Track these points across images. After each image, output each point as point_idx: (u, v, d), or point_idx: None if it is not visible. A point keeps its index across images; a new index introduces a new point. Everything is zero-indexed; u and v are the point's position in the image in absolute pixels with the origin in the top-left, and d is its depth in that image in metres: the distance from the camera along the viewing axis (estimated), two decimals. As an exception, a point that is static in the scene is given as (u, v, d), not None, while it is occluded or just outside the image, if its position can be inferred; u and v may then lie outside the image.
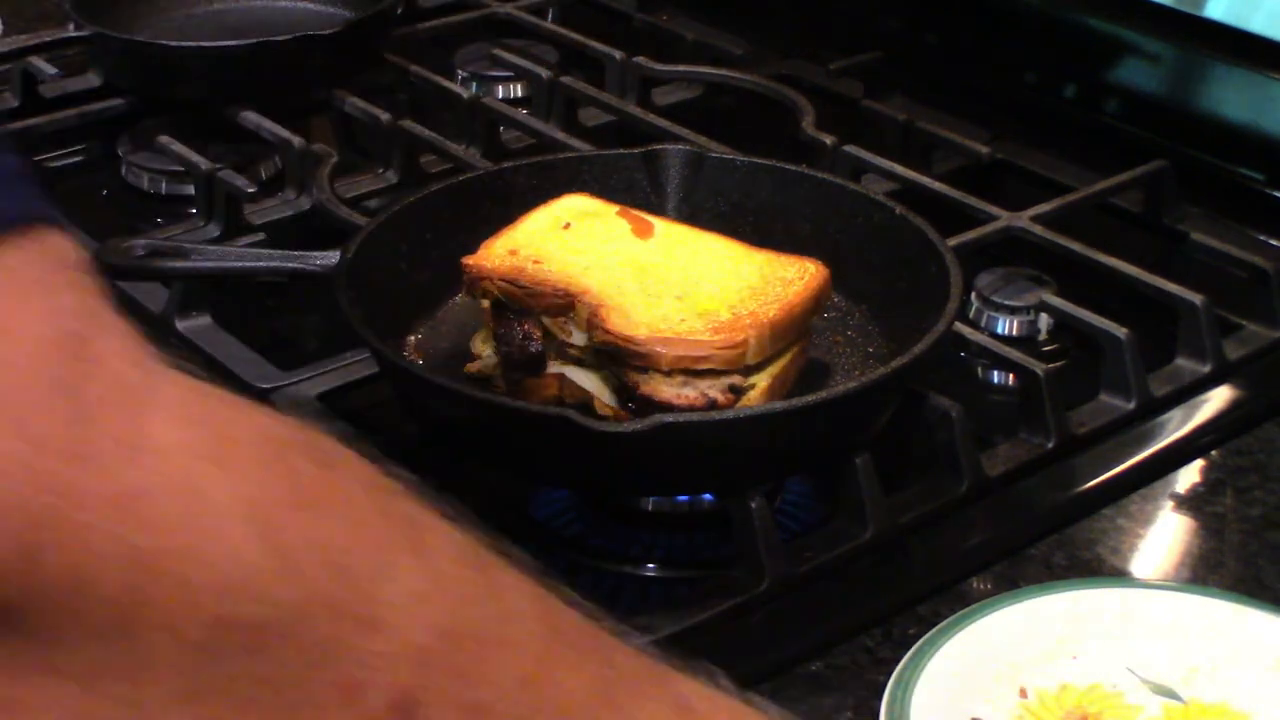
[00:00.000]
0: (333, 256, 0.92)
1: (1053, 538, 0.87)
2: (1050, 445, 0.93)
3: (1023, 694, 0.76)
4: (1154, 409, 0.97)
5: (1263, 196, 1.18)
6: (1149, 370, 0.98)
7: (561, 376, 0.87)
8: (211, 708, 0.48)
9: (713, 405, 0.84)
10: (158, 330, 1.04)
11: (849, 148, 1.16)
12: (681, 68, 1.33)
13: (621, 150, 1.02)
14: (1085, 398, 0.97)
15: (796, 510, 0.91)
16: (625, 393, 0.85)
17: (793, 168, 1.00)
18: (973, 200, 1.12)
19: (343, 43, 1.26)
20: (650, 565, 0.88)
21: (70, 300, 0.46)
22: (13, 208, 0.46)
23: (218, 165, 1.17)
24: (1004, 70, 1.33)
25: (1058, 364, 1.03)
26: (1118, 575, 0.85)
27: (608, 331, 0.84)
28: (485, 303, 0.89)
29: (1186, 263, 1.11)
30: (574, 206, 0.95)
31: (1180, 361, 1.01)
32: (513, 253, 0.90)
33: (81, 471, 0.44)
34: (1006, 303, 1.06)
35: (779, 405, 0.83)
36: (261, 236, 1.13)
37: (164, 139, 1.22)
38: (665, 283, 0.89)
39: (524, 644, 0.54)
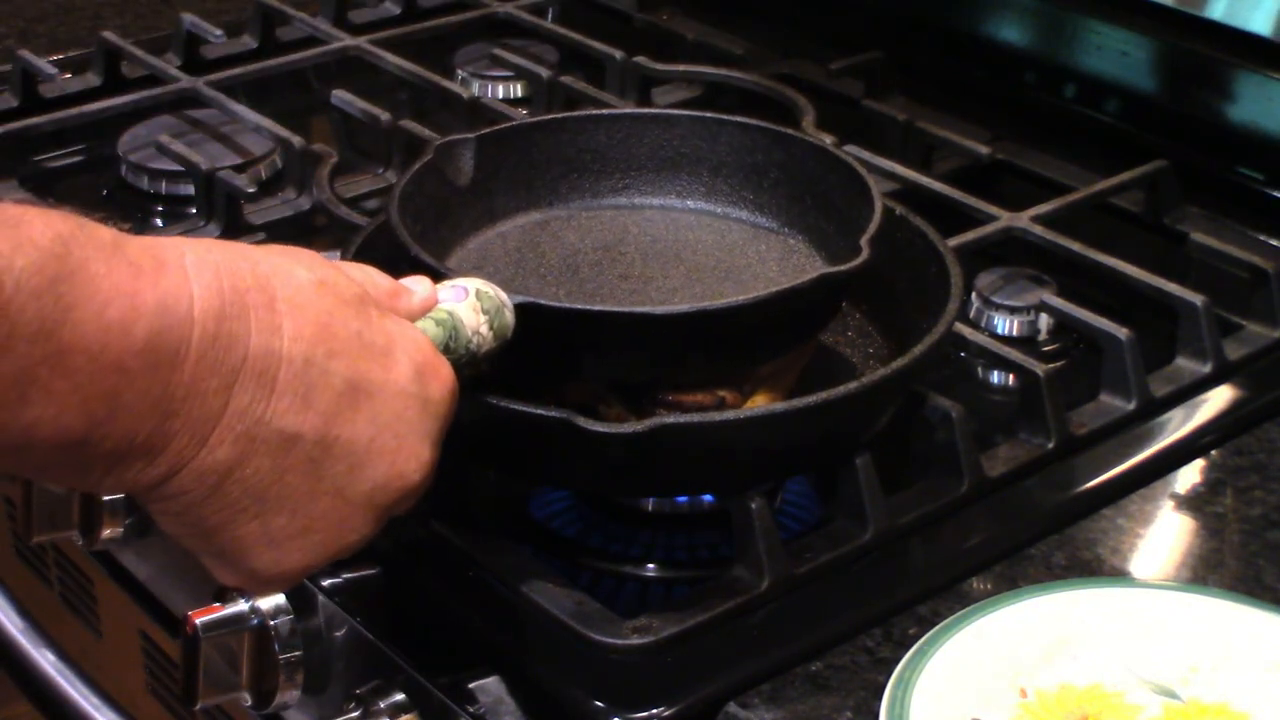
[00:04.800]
0: (332, 256, 0.92)
1: (1053, 538, 0.87)
2: (1050, 445, 0.93)
3: (1023, 694, 0.76)
4: (1154, 409, 0.97)
5: (1263, 196, 1.18)
6: (1149, 370, 0.98)
7: (562, 376, 0.87)
8: None
9: (713, 405, 0.84)
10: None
11: (849, 148, 1.16)
12: (681, 68, 1.33)
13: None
14: (1085, 398, 0.97)
15: (796, 510, 0.91)
16: (627, 392, 0.85)
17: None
18: (973, 200, 1.12)
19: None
20: (650, 565, 0.88)
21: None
22: None
23: (218, 165, 1.17)
24: (1004, 70, 1.33)
25: (1058, 364, 1.03)
26: (1118, 575, 0.85)
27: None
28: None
29: (1186, 263, 1.11)
30: None
31: (1180, 361, 1.01)
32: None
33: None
34: (1006, 303, 1.06)
35: (779, 405, 0.83)
36: (262, 236, 1.14)
37: (164, 139, 1.22)
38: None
39: None
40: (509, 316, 0.78)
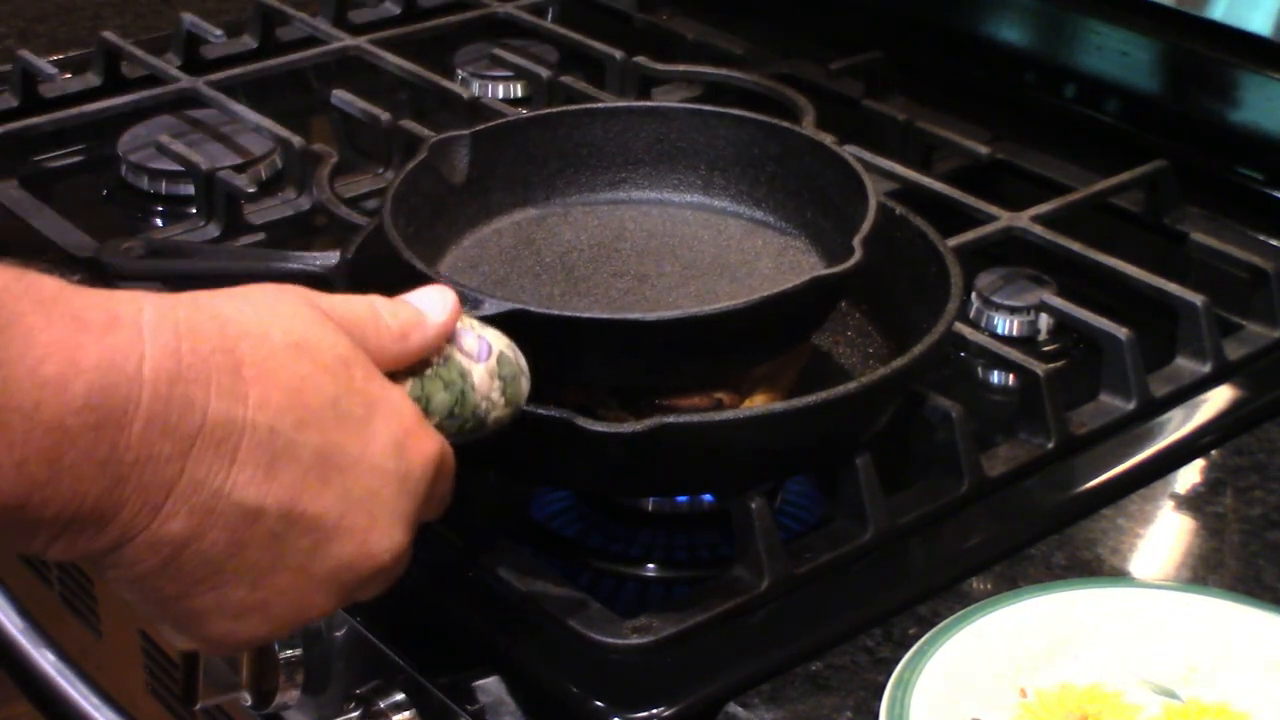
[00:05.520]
0: (333, 256, 0.92)
1: (1053, 538, 0.87)
2: (1050, 445, 0.93)
3: (1023, 694, 0.76)
4: (1154, 409, 0.97)
5: (1263, 196, 1.18)
6: (1149, 370, 0.98)
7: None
8: None
9: (713, 405, 0.84)
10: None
11: (849, 148, 1.16)
12: (681, 68, 1.33)
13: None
14: (1085, 398, 0.97)
15: (796, 510, 0.91)
16: (626, 393, 0.85)
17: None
18: (973, 200, 1.12)
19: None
20: (650, 565, 0.88)
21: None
22: None
23: (218, 165, 1.17)
24: (1004, 70, 1.33)
25: (1058, 364, 1.03)
26: (1118, 575, 0.85)
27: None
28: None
29: (1186, 263, 1.11)
30: None
31: (1180, 361, 1.01)
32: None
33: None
34: (1006, 303, 1.06)
35: (779, 405, 0.83)
36: (261, 236, 1.14)
37: (164, 139, 1.22)
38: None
39: None
40: (525, 385, 0.74)
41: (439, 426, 0.70)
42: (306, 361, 0.63)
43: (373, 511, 0.65)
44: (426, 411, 0.70)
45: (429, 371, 0.70)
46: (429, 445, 0.68)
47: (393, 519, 0.66)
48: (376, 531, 0.65)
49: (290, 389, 0.62)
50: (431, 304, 0.71)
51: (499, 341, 0.73)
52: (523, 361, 0.74)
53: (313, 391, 0.63)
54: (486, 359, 0.72)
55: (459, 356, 0.71)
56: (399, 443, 0.66)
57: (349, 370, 0.65)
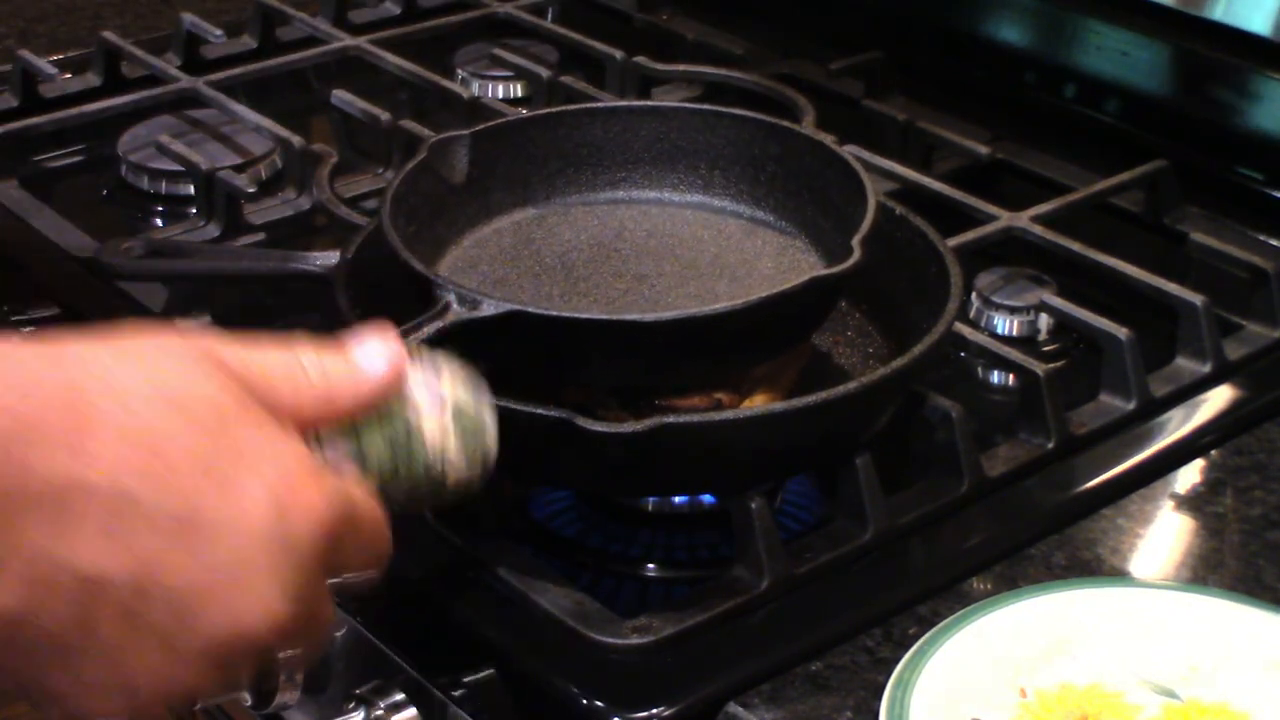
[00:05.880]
0: (333, 256, 0.92)
1: (1053, 538, 0.87)
2: (1050, 445, 0.93)
3: (1023, 694, 0.76)
4: (1154, 409, 0.97)
5: (1263, 196, 1.18)
6: (1149, 370, 0.98)
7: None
8: None
9: (713, 405, 0.84)
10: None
11: (849, 148, 1.16)
12: (681, 68, 1.33)
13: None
14: (1085, 398, 0.97)
15: (796, 510, 0.91)
16: (626, 393, 0.85)
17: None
18: (973, 200, 1.12)
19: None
20: (650, 565, 0.88)
21: None
22: None
23: (218, 165, 1.17)
24: (1004, 70, 1.33)
25: (1058, 364, 1.03)
26: (1118, 575, 0.85)
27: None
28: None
29: (1186, 263, 1.11)
30: None
31: (1180, 361, 1.01)
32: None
33: None
34: (1006, 303, 1.06)
35: (779, 405, 0.83)
36: (261, 236, 1.14)
37: (164, 139, 1.22)
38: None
39: None
40: (491, 443, 0.66)
41: (383, 488, 0.64)
42: (176, 418, 0.57)
43: (243, 580, 0.58)
44: (364, 471, 0.64)
45: (366, 427, 0.64)
46: (317, 504, 0.60)
47: (269, 587, 0.58)
48: (246, 600, 0.58)
49: (150, 448, 0.56)
50: (370, 358, 0.65)
51: (456, 394, 0.66)
52: (487, 416, 0.67)
53: (179, 449, 0.57)
54: (440, 413, 0.65)
55: (407, 411, 0.65)
56: (279, 502, 0.59)
57: (225, 426, 0.58)
